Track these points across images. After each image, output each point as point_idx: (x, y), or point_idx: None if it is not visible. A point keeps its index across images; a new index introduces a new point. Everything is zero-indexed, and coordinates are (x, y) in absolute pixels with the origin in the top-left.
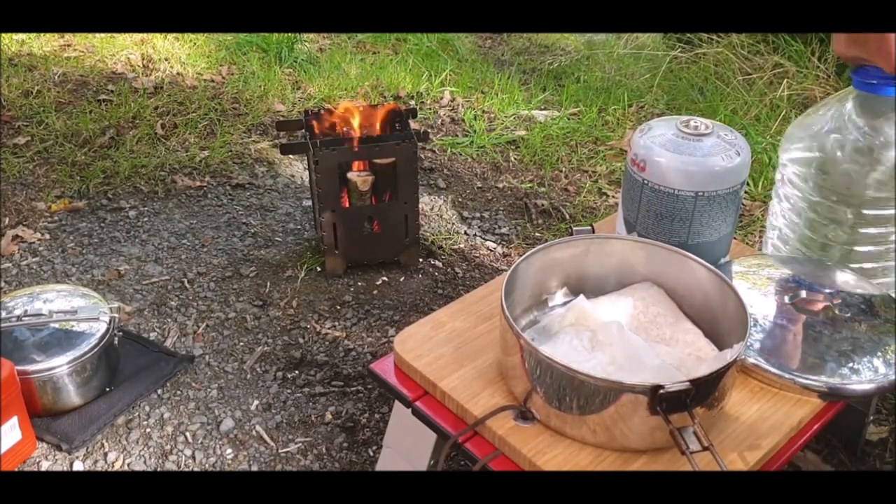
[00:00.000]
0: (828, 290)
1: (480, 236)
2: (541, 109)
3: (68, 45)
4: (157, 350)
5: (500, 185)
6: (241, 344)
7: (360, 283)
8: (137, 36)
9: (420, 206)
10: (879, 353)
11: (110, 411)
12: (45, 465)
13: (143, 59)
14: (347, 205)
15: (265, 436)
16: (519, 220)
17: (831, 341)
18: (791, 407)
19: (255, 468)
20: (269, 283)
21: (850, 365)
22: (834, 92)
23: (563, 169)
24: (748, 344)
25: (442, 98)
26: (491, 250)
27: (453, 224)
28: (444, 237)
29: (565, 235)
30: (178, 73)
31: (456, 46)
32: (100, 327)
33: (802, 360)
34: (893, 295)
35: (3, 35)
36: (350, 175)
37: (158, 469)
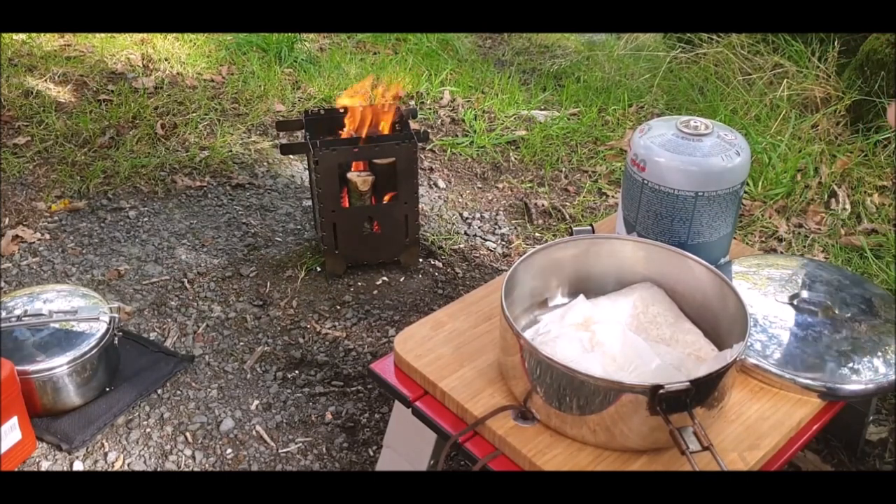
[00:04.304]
0: (828, 290)
1: (480, 236)
2: (541, 109)
3: (68, 45)
4: (157, 350)
5: (500, 185)
6: (241, 344)
7: (360, 283)
8: (137, 36)
9: (420, 206)
10: (879, 353)
11: (110, 411)
12: (45, 465)
13: (143, 59)
14: (347, 205)
15: (265, 436)
16: (519, 220)
17: (831, 341)
18: (791, 407)
19: (255, 468)
20: (269, 283)
21: (850, 365)
22: (833, 92)
23: (563, 169)
24: (748, 344)
25: (442, 98)
26: (491, 250)
27: (453, 224)
28: (444, 237)
29: (565, 235)
30: (178, 73)
31: (456, 46)
32: (100, 327)
33: (802, 360)
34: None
35: (3, 35)
36: (350, 175)
37: (158, 469)
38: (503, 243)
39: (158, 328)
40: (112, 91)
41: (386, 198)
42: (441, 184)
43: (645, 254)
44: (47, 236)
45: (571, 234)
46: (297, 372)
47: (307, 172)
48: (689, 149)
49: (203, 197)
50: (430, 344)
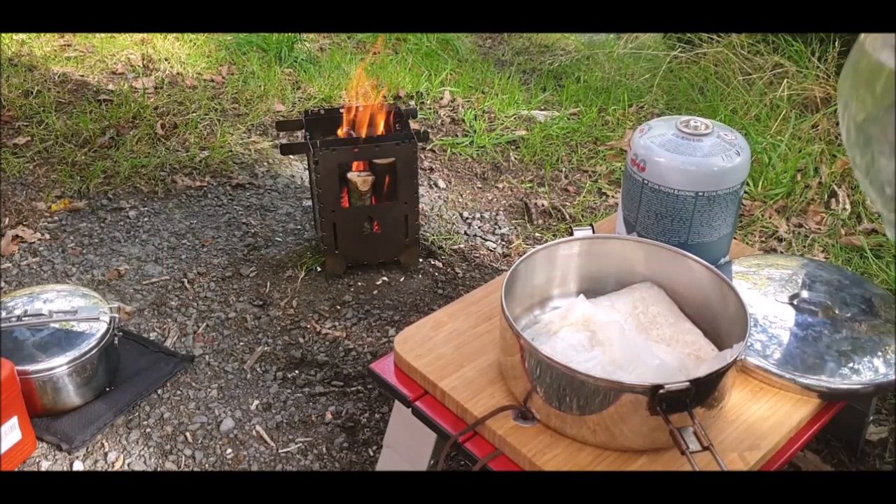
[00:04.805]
0: (828, 290)
1: (480, 236)
2: (541, 109)
3: (68, 45)
4: (157, 350)
5: (500, 185)
6: (241, 344)
7: (360, 283)
8: (137, 36)
9: (420, 206)
10: (879, 353)
11: (110, 411)
12: (45, 465)
13: (143, 59)
14: (347, 205)
15: (265, 436)
16: (519, 220)
17: (831, 341)
18: (791, 407)
19: (255, 468)
20: (269, 283)
21: (850, 365)
22: (833, 92)
23: (563, 169)
24: (748, 344)
25: (442, 98)
26: (491, 250)
27: (453, 224)
28: (444, 237)
29: (565, 235)
30: (178, 73)
31: (456, 46)
32: (100, 327)
33: (802, 360)
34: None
35: (3, 35)
36: (350, 175)
37: (158, 469)
38: (503, 243)
39: (158, 328)
40: (112, 91)
41: (385, 198)
42: (441, 184)
43: (645, 254)
44: (47, 236)
45: (571, 234)
46: (297, 372)
47: (307, 172)
48: (689, 149)
49: (203, 197)
50: (430, 344)
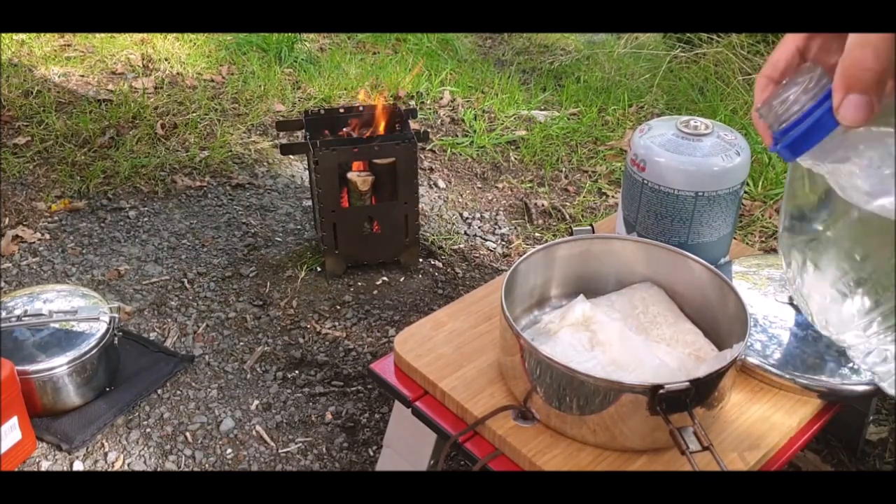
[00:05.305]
0: None
1: (480, 236)
2: (541, 109)
3: (68, 45)
4: (157, 350)
5: (500, 185)
6: (241, 344)
7: (360, 283)
8: (137, 36)
9: (420, 206)
10: None
11: (110, 411)
12: (45, 465)
13: (143, 59)
14: (347, 205)
15: (265, 436)
16: (519, 220)
17: (831, 341)
18: (791, 407)
19: (255, 468)
20: (269, 283)
21: (850, 365)
22: None
23: (563, 169)
24: (748, 344)
25: (442, 98)
26: (491, 250)
27: (453, 224)
28: (444, 237)
29: (565, 235)
30: (178, 73)
31: (456, 46)
32: (100, 327)
33: (802, 360)
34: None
35: (3, 35)
36: (350, 175)
37: (158, 469)
38: (503, 243)
39: (158, 328)
40: (112, 91)
41: (385, 198)
42: (441, 184)
43: (645, 254)
44: (47, 236)
45: (571, 234)
46: (297, 372)
47: (307, 172)
48: (689, 149)
49: (203, 197)
50: (430, 344)
